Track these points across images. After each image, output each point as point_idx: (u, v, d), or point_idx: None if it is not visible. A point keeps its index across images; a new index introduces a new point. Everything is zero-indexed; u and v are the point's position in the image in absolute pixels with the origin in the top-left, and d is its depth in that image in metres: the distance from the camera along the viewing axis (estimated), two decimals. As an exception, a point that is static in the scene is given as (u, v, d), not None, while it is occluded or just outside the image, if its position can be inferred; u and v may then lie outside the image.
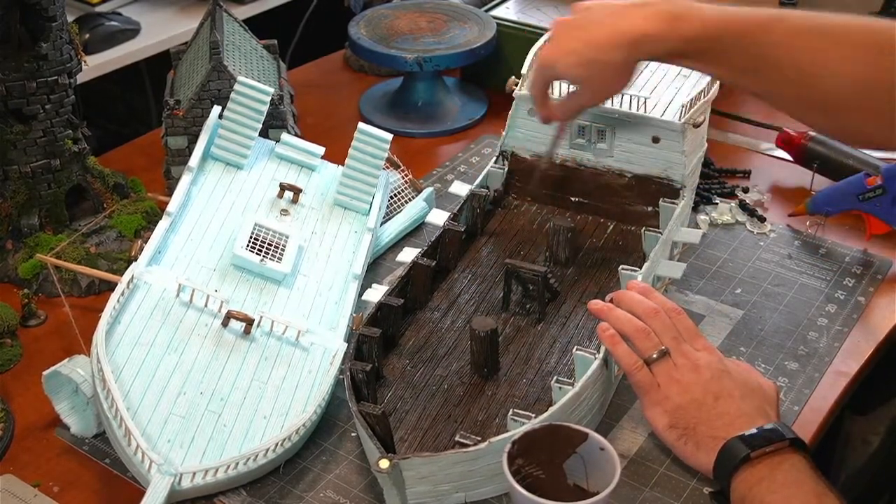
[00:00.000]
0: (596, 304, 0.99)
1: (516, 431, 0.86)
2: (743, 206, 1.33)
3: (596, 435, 0.86)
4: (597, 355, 0.96)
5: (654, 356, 0.94)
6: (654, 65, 1.26)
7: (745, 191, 1.36)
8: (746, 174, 1.41)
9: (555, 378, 0.96)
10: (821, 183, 1.36)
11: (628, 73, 1.04)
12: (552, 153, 1.21)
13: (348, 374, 0.96)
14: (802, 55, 0.93)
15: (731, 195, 1.35)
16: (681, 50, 0.98)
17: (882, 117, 0.92)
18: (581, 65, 1.03)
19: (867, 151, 1.39)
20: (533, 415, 0.91)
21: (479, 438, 0.90)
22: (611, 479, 0.82)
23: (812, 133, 1.38)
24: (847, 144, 1.31)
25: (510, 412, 0.92)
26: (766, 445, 0.87)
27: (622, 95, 1.16)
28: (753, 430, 0.88)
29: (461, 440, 0.91)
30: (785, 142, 1.40)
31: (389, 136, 1.22)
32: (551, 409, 0.91)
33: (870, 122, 0.94)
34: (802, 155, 1.38)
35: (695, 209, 1.31)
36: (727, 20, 0.96)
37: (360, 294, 1.09)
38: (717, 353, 0.96)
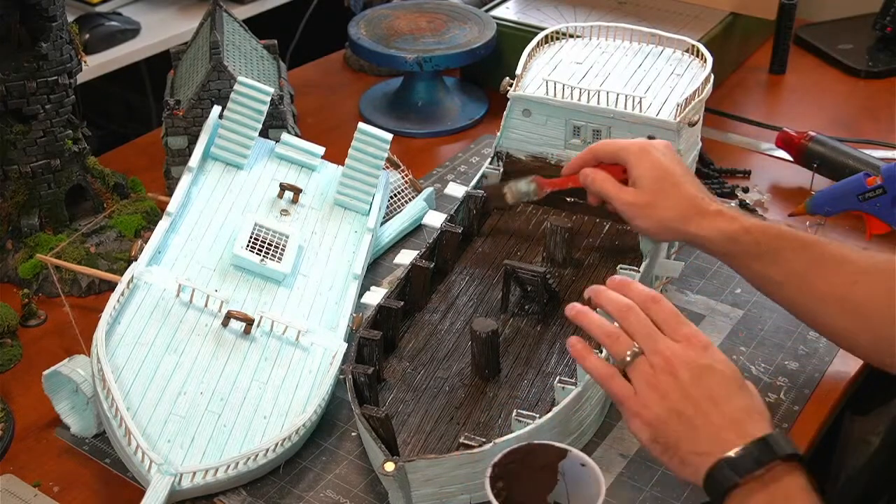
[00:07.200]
0: (572, 308, 0.92)
1: (500, 452, 0.82)
2: (743, 205, 1.33)
3: (576, 451, 0.82)
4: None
5: (628, 359, 0.85)
6: (647, 64, 1.25)
7: (746, 191, 1.37)
8: (746, 174, 1.41)
9: (557, 378, 0.96)
10: (821, 183, 1.36)
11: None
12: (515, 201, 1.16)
13: (350, 377, 0.96)
14: None
15: (731, 195, 1.35)
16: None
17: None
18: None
19: (867, 151, 1.39)
20: (537, 415, 0.91)
21: (484, 440, 0.90)
22: (595, 498, 0.78)
23: (812, 133, 1.38)
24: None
25: (514, 413, 0.92)
26: (755, 468, 0.79)
27: (617, 95, 1.16)
28: (740, 450, 0.80)
29: (466, 441, 0.90)
30: (785, 142, 1.40)
31: (389, 136, 1.22)
32: (555, 409, 0.91)
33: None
34: (802, 155, 1.38)
35: (695, 209, 1.31)
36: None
37: (361, 294, 1.09)
38: (698, 341, 0.85)
